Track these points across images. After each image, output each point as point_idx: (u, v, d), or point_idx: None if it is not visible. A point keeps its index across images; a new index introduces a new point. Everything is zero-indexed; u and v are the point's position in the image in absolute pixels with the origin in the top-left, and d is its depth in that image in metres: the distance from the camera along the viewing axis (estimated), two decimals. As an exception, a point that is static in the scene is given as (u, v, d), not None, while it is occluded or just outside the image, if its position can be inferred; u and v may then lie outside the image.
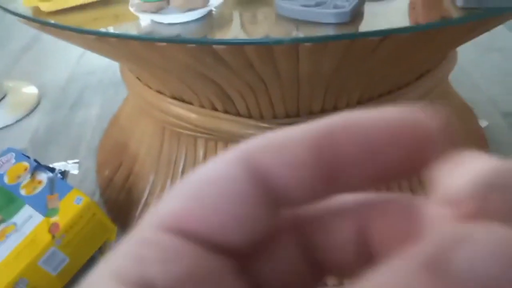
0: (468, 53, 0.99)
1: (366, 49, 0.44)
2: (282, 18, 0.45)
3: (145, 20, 0.46)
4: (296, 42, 0.38)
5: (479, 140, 0.90)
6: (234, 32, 0.44)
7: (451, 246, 0.10)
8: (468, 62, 1.13)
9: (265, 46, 0.40)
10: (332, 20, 0.43)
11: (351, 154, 0.13)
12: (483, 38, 1.01)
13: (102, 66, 1.22)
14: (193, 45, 0.40)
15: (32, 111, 1.09)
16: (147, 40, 0.41)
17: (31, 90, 1.16)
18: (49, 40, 1.38)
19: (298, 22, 0.44)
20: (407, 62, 0.55)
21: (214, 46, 0.40)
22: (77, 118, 1.04)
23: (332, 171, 0.13)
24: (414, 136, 0.13)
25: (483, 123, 0.95)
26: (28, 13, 0.50)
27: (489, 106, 1.02)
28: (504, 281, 0.09)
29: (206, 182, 0.13)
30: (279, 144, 0.14)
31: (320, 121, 0.13)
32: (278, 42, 0.38)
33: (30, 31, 1.42)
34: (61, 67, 1.24)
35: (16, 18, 0.52)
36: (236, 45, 0.40)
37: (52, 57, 1.29)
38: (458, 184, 0.11)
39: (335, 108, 0.62)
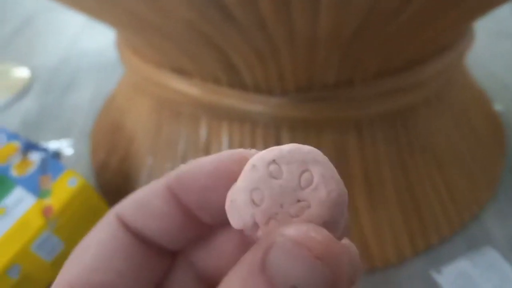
0: (480, 40, 0.96)
1: (391, 6, 0.40)
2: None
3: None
4: (319, -9, 0.34)
5: (495, 124, 0.86)
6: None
7: (266, 250, 0.12)
8: (482, 49, 1.10)
9: (282, -1, 0.35)
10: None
11: (192, 196, 0.15)
12: (493, 26, 0.98)
13: (95, 49, 1.18)
14: (200, -3, 0.36)
15: (24, 94, 1.04)
16: (148, -9, 0.36)
17: (23, 72, 1.11)
18: (42, 22, 1.33)
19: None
20: (431, 29, 0.50)
21: (225, -1, 0.36)
22: (69, 101, 1.00)
23: (188, 209, 0.16)
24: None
25: (498, 108, 0.92)
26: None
27: (504, 92, 0.98)
28: (300, 274, 0.11)
29: (88, 246, 0.16)
30: (139, 199, 0.16)
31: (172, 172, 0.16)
32: (298, -9, 0.34)
33: (22, 13, 1.37)
34: (53, 49, 1.19)
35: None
36: (249, -3, 0.35)
37: (44, 39, 1.25)
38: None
39: (349, 81, 0.57)
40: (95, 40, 1.21)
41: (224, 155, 0.16)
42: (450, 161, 0.71)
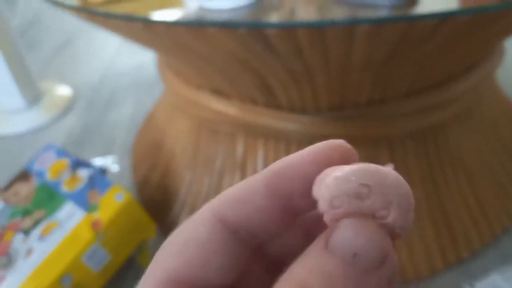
0: (511, 51, 0.96)
1: (423, 33, 0.42)
2: (334, 2, 0.44)
3: (192, 7, 0.46)
4: (353, 24, 0.37)
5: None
6: (286, 17, 0.43)
7: (330, 232, 0.15)
8: None
9: (318, 30, 0.38)
10: (387, 3, 0.42)
11: (297, 186, 0.17)
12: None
13: (134, 66, 1.23)
14: (244, 30, 0.39)
15: (66, 111, 1.10)
16: (196, 25, 0.40)
17: (65, 90, 1.17)
18: (82, 41, 1.40)
19: (351, 5, 0.42)
20: (460, 50, 0.52)
21: (266, 31, 0.39)
22: (111, 118, 1.05)
23: (285, 203, 0.17)
24: (340, 157, 0.17)
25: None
26: (76, 4, 0.50)
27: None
28: (359, 247, 0.14)
29: (188, 243, 0.17)
30: (238, 197, 0.17)
31: (270, 166, 0.17)
32: (333, 24, 0.37)
33: (64, 32, 1.44)
34: (93, 67, 1.25)
35: (52, 16, 0.52)
36: (288, 30, 0.39)
37: (84, 58, 1.31)
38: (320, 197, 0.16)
39: (381, 100, 0.60)
40: (132, 58, 1.26)
41: (322, 143, 0.17)
42: (481, 175, 0.73)
